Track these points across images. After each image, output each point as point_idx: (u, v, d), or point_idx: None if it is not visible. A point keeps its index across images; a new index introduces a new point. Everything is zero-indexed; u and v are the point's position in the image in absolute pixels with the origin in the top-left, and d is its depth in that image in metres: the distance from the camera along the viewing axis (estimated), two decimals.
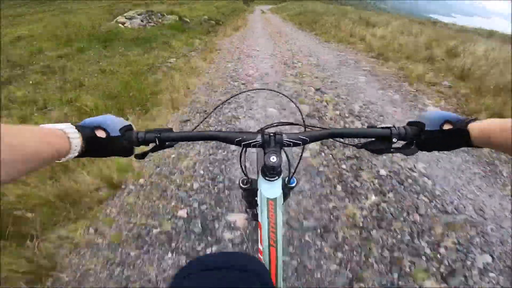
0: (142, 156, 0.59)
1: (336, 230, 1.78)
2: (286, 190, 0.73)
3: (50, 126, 0.45)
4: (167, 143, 0.59)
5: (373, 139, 0.60)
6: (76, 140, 0.46)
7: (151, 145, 0.59)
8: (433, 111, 0.58)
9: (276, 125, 0.72)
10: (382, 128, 0.59)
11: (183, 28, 9.93)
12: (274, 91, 0.78)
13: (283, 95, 0.80)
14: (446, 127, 0.55)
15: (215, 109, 0.78)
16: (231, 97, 0.83)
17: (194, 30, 9.97)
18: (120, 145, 0.55)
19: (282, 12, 23.94)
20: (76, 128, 0.48)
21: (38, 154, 0.38)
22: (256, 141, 0.58)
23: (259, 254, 0.60)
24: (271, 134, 0.58)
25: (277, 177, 0.60)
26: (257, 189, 0.64)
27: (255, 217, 0.90)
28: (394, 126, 0.59)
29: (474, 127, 0.50)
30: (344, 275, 1.52)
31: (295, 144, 0.58)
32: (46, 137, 0.41)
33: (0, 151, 0.32)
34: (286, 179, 0.73)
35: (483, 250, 1.69)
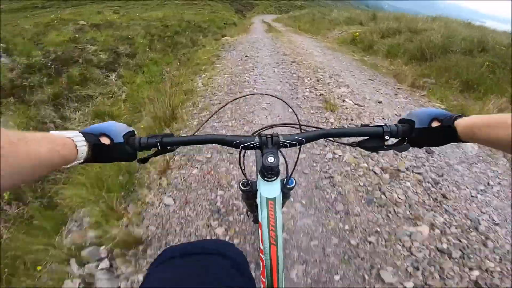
0: (144, 160, 0.62)
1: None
2: (286, 190, 0.75)
3: (59, 133, 0.46)
4: (168, 147, 0.61)
5: (367, 137, 0.62)
6: (83, 148, 0.48)
7: (153, 150, 0.61)
8: (423, 109, 0.60)
9: (272, 127, 0.75)
10: (375, 126, 0.61)
11: None
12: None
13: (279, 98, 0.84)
14: (435, 124, 0.57)
15: (215, 113, 0.84)
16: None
17: None
18: (124, 150, 0.56)
19: (315, 29, 12.19)
20: (83, 136, 0.50)
21: (47, 161, 0.40)
22: (254, 143, 0.60)
23: (260, 254, 0.60)
24: (268, 136, 0.60)
25: (275, 178, 0.61)
26: (257, 191, 0.65)
27: (256, 219, 1.01)
28: (386, 125, 0.61)
29: (460, 123, 0.52)
30: None
31: (292, 145, 0.60)
32: (56, 145, 0.42)
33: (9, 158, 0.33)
34: (285, 180, 0.75)
35: None
